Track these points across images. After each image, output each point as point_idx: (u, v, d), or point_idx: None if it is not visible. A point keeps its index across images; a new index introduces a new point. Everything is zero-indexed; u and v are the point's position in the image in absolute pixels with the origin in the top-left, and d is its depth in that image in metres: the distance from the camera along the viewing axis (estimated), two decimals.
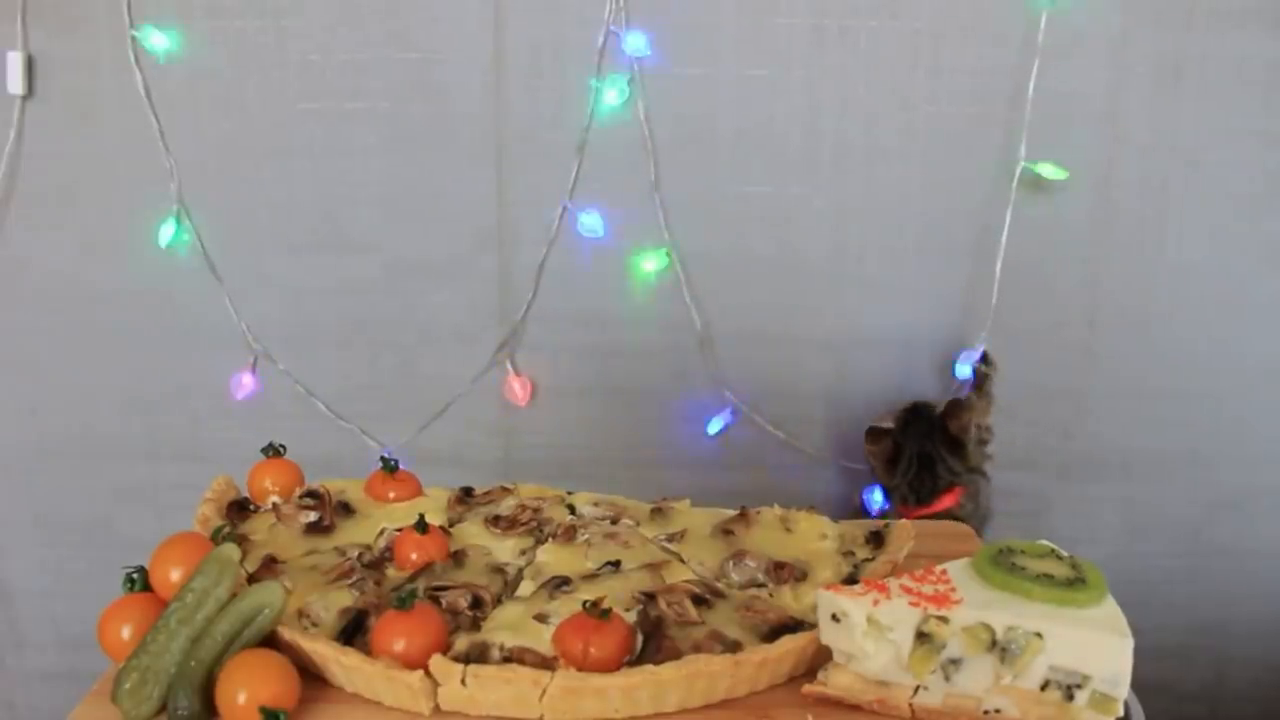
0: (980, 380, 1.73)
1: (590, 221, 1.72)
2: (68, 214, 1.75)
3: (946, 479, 1.67)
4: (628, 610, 0.95)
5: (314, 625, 0.96)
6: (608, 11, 1.65)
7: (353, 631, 0.94)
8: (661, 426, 1.82)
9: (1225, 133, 1.71)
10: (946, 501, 1.67)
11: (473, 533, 1.13)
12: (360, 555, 1.07)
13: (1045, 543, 0.93)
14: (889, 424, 1.71)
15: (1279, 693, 1.97)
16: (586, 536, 1.10)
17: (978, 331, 1.75)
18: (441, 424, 1.82)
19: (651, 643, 0.91)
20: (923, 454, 1.68)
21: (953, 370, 1.75)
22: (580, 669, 0.87)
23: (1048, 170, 1.68)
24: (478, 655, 0.89)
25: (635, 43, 1.65)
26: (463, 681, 0.87)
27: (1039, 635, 0.83)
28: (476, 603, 0.98)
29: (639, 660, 0.90)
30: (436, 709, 0.89)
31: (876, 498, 1.77)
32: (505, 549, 1.10)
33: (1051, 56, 1.66)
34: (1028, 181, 1.71)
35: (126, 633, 0.91)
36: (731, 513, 1.17)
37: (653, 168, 1.70)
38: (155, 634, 0.88)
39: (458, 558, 1.06)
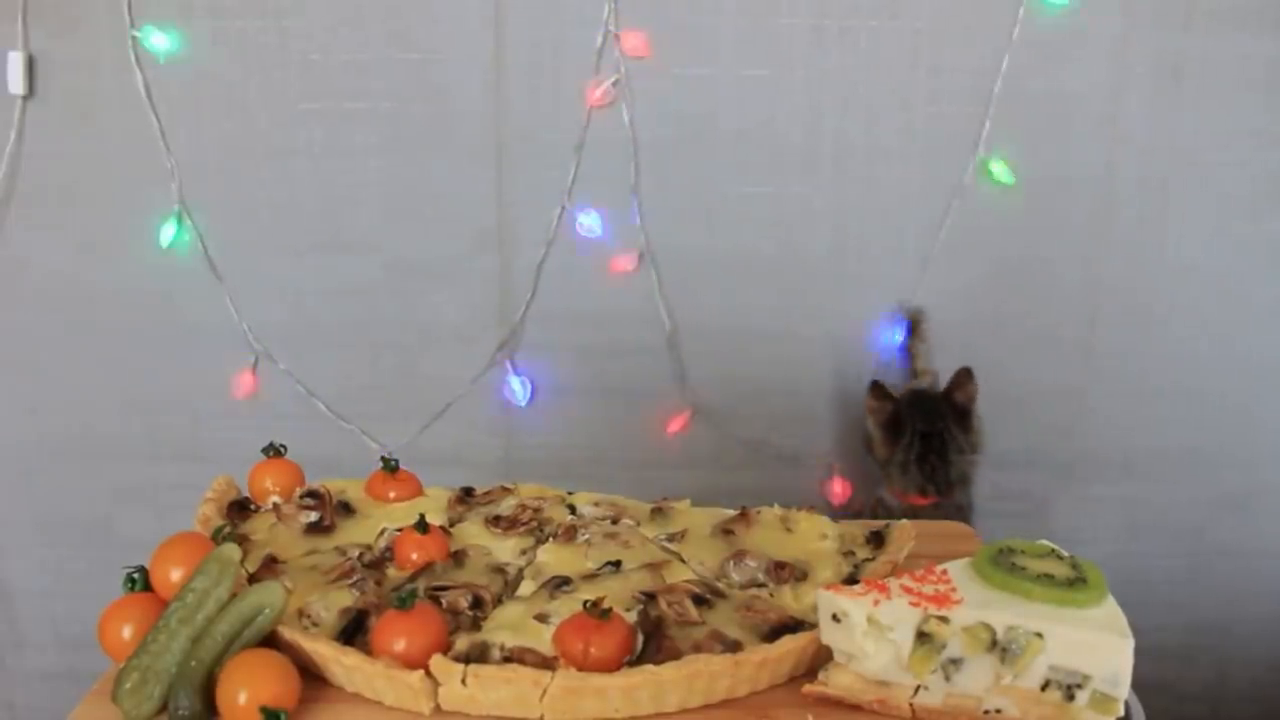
0: (915, 325, 1.70)
1: (589, 221, 1.72)
2: (68, 214, 1.74)
3: (960, 462, 1.62)
4: (628, 610, 0.94)
5: (314, 625, 0.96)
6: (607, 12, 1.65)
7: (353, 631, 0.94)
8: (661, 426, 1.82)
9: (1225, 133, 1.71)
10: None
11: (473, 533, 1.13)
12: (360, 555, 1.07)
13: (1045, 543, 0.92)
14: (895, 393, 1.65)
15: None
16: (587, 536, 1.10)
17: (979, 331, 1.75)
18: (442, 424, 1.82)
19: (652, 643, 0.91)
20: (929, 433, 1.62)
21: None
22: (580, 669, 0.87)
23: (998, 169, 1.69)
24: (478, 655, 0.89)
25: (634, 43, 1.65)
26: (463, 681, 0.87)
27: (1039, 635, 0.83)
28: (477, 603, 0.98)
29: (639, 660, 0.90)
30: (437, 709, 0.89)
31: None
32: (505, 549, 1.10)
33: (1051, 56, 1.66)
34: (1027, 181, 1.71)
35: (127, 633, 0.91)
36: (732, 513, 1.17)
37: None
38: (155, 634, 0.88)
39: (458, 558, 1.06)
